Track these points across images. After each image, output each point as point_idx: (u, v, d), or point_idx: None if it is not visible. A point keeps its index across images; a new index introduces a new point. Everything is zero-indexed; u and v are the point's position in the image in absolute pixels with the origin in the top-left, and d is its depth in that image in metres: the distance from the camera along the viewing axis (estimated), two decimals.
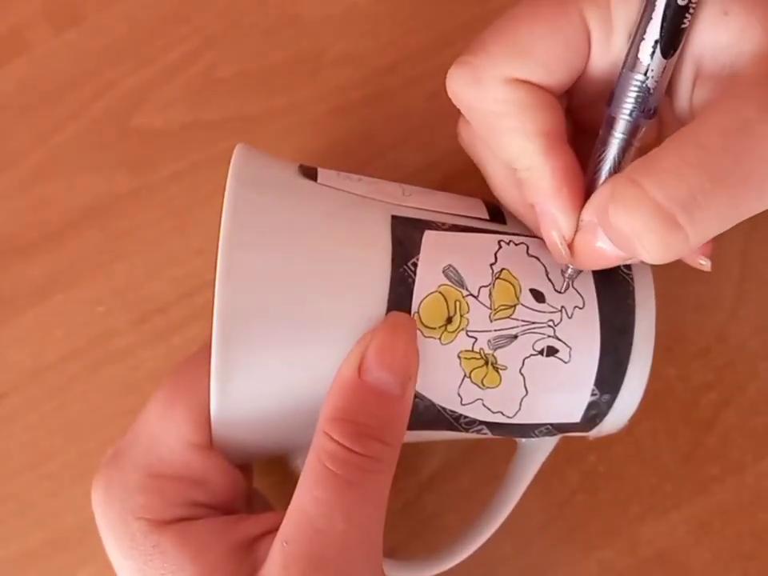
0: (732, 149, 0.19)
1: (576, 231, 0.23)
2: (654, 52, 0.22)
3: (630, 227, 0.20)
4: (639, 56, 0.22)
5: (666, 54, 0.22)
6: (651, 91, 0.22)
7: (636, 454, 0.31)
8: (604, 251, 0.22)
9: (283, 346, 0.22)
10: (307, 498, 0.22)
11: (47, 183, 0.33)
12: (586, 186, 0.23)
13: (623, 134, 0.22)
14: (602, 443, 0.31)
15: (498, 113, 0.23)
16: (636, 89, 0.22)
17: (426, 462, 0.31)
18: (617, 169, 0.23)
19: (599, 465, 0.31)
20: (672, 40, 0.21)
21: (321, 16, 0.34)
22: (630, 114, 0.22)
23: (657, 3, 0.21)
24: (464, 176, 0.32)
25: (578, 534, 0.31)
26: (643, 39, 0.22)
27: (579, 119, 0.26)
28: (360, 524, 0.22)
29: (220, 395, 0.22)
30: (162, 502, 0.23)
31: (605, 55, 0.23)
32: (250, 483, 0.27)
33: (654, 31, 0.21)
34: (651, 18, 0.21)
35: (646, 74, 0.22)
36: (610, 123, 0.23)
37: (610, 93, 0.23)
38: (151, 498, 0.23)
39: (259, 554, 0.23)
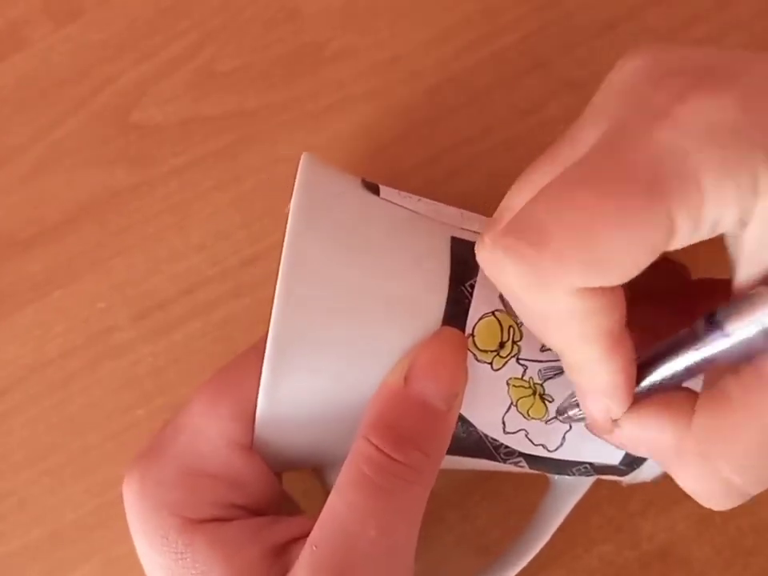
0: None
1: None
2: None
3: (698, 492, 0.20)
4: None
5: None
6: None
7: None
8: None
9: (336, 356, 0.22)
10: (341, 501, 0.22)
11: (46, 178, 0.33)
12: (638, 370, 0.20)
13: (704, 359, 0.19)
14: None
15: (558, 317, 0.19)
16: (757, 339, 0.18)
17: None
18: (677, 378, 0.20)
19: None
20: None
21: (321, 10, 0.34)
22: (728, 351, 0.19)
23: None
24: (465, 172, 0.32)
25: (579, 529, 0.31)
26: None
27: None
28: (391, 534, 0.22)
29: (268, 397, 0.22)
30: (198, 500, 0.23)
31: (682, 244, 0.19)
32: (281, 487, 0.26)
33: None
34: None
35: None
36: (697, 338, 0.19)
37: (713, 309, 0.19)
38: (187, 496, 0.23)
39: (290, 558, 0.22)
